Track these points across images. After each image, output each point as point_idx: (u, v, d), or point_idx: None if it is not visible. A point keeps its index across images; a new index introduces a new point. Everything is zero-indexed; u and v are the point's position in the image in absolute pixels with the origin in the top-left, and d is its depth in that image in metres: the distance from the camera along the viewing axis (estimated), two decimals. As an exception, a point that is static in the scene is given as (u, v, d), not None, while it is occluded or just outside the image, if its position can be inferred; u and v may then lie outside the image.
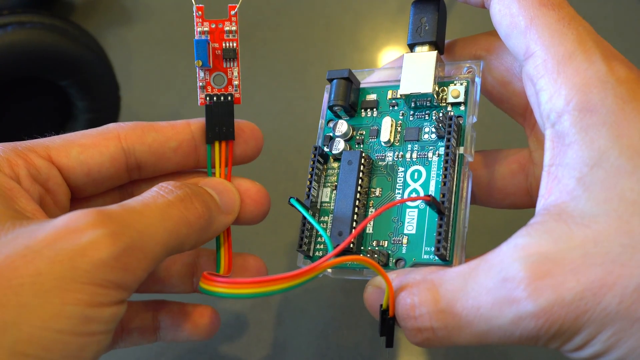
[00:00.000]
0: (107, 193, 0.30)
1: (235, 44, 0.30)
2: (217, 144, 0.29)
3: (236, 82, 0.30)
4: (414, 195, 0.28)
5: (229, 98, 0.29)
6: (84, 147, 0.27)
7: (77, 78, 0.40)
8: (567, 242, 0.20)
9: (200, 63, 0.28)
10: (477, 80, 0.28)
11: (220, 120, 0.29)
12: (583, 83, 0.22)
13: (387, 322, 0.24)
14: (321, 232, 0.27)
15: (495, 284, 0.21)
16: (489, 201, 0.31)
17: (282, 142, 0.44)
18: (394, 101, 0.30)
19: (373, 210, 0.29)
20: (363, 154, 0.29)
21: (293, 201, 0.27)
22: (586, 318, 0.19)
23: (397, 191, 0.28)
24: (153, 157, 0.29)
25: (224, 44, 0.30)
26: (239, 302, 0.39)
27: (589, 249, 0.20)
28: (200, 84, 0.29)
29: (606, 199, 0.20)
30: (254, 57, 0.48)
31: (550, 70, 0.23)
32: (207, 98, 0.29)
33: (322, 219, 0.29)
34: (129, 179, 0.29)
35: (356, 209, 0.28)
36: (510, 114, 0.30)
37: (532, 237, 0.21)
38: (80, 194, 0.28)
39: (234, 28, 0.30)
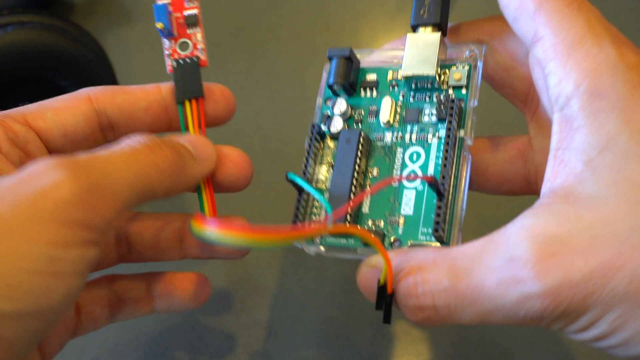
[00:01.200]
0: None
1: (196, 11, 0.31)
2: (187, 103, 0.30)
3: (201, 46, 0.31)
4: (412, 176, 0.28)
5: (195, 59, 0.31)
6: (58, 110, 0.28)
7: (77, 78, 0.40)
8: (575, 224, 0.20)
9: (162, 25, 0.30)
10: (479, 64, 0.28)
11: (187, 80, 0.30)
12: (593, 67, 0.22)
13: (385, 299, 0.24)
14: (320, 198, 0.27)
15: (501, 264, 0.21)
16: (486, 186, 0.31)
17: (282, 142, 0.44)
18: (394, 82, 0.30)
19: (369, 189, 0.28)
20: (362, 134, 0.28)
21: (291, 175, 0.27)
22: (594, 299, 0.19)
23: (395, 172, 0.28)
24: (124, 117, 0.29)
25: (184, 13, 0.31)
26: (240, 295, 0.39)
27: (597, 231, 0.20)
28: (167, 52, 0.31)
29: (615, 182, 0.20)
30: (254, 57, 0.48)
31: (560, 54, 0.23)
32: (175, 64, 0.31)
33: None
34: (105, 140, 0.30)
35: (353, 187, 0.28)
36: (510, 100, 0.30)
37: (539, 218, 0.21)
38: (59, 150, 0.29)
39: None
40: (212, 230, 0.21)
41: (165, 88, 0.30)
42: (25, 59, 0.38)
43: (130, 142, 0.25)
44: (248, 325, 0.38)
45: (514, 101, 0.30)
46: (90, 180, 0.21)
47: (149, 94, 0.30)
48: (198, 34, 0.31)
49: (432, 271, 0.22)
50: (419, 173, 0.28)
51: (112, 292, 0.30)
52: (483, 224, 0.36)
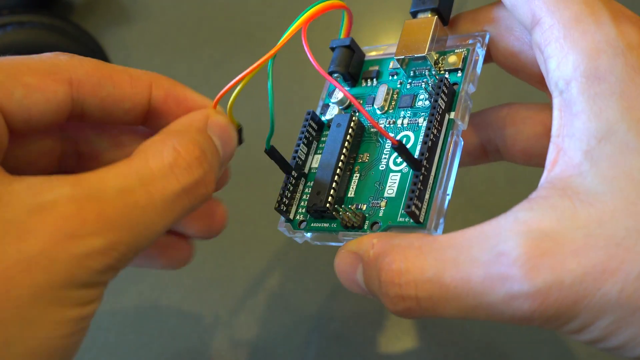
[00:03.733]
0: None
1: None
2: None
3: None
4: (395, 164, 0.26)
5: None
6: (30, 89, 0.23)
7: None
8: (571, 221, 0.19)
9: None
10: (481, 51, 0.27)
11: None
12: (591, 48, 0.20)
13: None
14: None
15: (490, 258, 0.19)
16: (515, 160, 0.29)
17: (281, 142, 0.43)
18: (394, 71, 0.29)
19: (358, 175, 0.27)
20: (354, 117, 0.28)
21: (268, 149, 0.27)
22: (585, 304, 0.18)
23: (383, 156, 0.27)
24: (101, 113, 0.25)
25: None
26: (240, 295, 0.38)
27: (592, 230, 0.18)
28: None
29: (613, 177, 0.19)
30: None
31: (557, 35, 0.21)
32: None
33: (308, 183, 0.29)
34: (65, 122, 0.26)
35: (338, 170, 0.27)
36: (529, 83, 0.28)
37: (535, 212, 0.20)
38: (17, 132, 0.24)
39: None
40: None
41: (158, 87, 0.26)
42: (24, 59, 0.39)
43: (178, 176, 0.22)
44: (248, 325, 0.37)
45: (532, 83, 0.28)
46: (124, 250, 0.20)
47: (137, 94, 0.25)
48: None
49: (417, 259, 0.21)
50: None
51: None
52: (477, 211, 0.33)
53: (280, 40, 0.25)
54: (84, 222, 0.19)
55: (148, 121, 0.26)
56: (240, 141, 0.26)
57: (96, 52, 0.43)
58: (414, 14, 0.28)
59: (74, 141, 0.27)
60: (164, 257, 0.28)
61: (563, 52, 0.21)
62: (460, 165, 0.26)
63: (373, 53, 0.31)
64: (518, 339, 0.35)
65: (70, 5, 0.55)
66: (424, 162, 0.25)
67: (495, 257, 0.19)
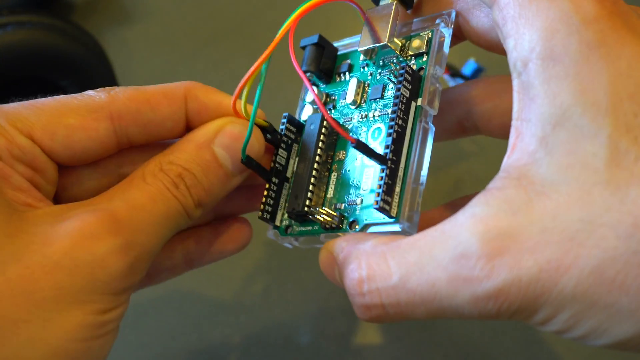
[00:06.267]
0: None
1: None
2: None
3: None
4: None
5: None
6: (71, 130, 0.24)
7: (77, 78, 0.40)
8: (526, 216, 0.19)
9: None
10: (446, 30, 0.26)
11: None
12: (545, 27, 0.19)
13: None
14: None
15: (452, 260, 0.19)
16: (494, 134, 0.29)
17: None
18: (365, 63, 0.29)
19: (336, 174, 0.27)
20: (325, 116, 0.27)
21: (243, 160, 0.27)
22: (544, 299, 0.18)
23: (357, 153, 0.27)
24: (146, 137, 0.27)
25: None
26: (240, 296, 0.39)
27: (547, 224, 0.18)
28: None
29: (568, 165, 0.18)
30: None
31: (512, 14, 0.20)
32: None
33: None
34: (118, 150, 0.28)
35: (314, 171, 0.27)
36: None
37: (491, 207, 0.19)
38: (67, 165, 0.27)
39: None
40: None
41: (192, 99, 0.27)
42: (25, 59, 0.38)
43: (169, 191, 0.24)
44: (248, 326, 0.38)
45: None
46: (139, 249, 0.23)
47: (175, 112, 0.26)
48: None
49: (380, 265, 0.21)
50: (379, 149, 0.26)
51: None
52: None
53: (274, 40, 0.25)
54: (101, 224, 0.22)
55: (190, 129, 0.27)
56: (270, 139, 0.27)
57: (96, 52, 0.42)
58: (376, 2, 0.28)
59: (131, 163, 0.28)
60: (230, 241, 0.30)
61: (519, 32, 0.20)
62: (439, 141, 0.25)
63: (347, 43, 0.30)
64: (518, 338, 0.34)
65: (71, 5, 0.55)
66: (390, 155, 0.24)
67: (457, 258, 0.19)
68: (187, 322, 0.39)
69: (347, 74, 0.29)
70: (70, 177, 0.27)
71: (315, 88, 0.29)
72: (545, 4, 0.20)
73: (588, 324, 0.18)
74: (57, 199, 0.26)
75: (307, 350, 0.36)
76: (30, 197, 0.23)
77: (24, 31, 0.39)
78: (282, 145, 0.28)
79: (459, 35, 0.27)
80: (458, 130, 0.29)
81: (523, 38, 0.20)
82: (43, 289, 0.20)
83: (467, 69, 0.42)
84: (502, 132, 0.28)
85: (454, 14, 0.26)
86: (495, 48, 0.27)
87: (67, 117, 0.24)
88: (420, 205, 0.24)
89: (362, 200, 0.25)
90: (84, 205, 0.23)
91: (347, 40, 0.30)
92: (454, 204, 0.30)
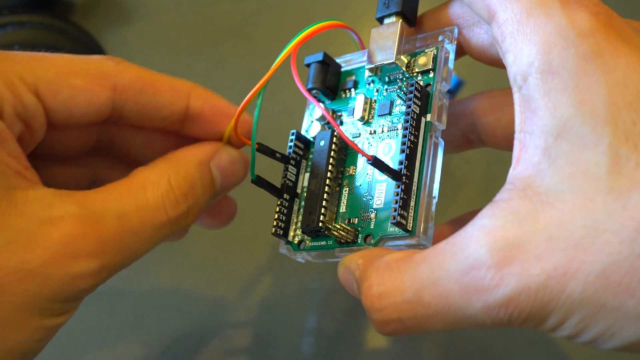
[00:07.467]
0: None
1: None
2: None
3: None
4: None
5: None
6: (75, 90, 0.24)
7: None
8: (532, 225, 0.19)
9: None
10: (450, 47, 0.27)
11: None
12: (543, 41, 0.20)
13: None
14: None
15: (463, 271, 0.20)
16: (498, 146, 0.30)
17: (281, 143, 0.43)
18: (370, 79, 0.29)
19: (347, 189, 0.28)
20: (335, 133, 0.28)
21: (254, 180, 0.27)
22: (552, 306, 0.19)
23: (368, 168, 0.27)
24: (139, 118, 0.27)
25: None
26: (240, 296, 0.39)
27: (552, 232, 0.19)
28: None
29: (571, 175, 0.19)
30: (254, 57, 0.47)
31: (511, 30, 0.21)
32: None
33: (301, 203, 0.29)
34: (106, 119, 0.27)
35: (327, 187, 0.27)
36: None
37: (498, 219, 0.20)
38: (55, 126, 0.26)
39: None
40: None
41: (196, 97, 0.27)
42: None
43: (168, 209, 0.25)
44: (248, 326, 0.38)
45: None
46: (114, 269, 0.23)
47: (174, 104, 0.27)
48: None
49: (395, 281, 0.22)
50: (391, 164, 0.26)
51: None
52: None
53: (274, 64, 0.26)
54: (85, 242, 0.22)
55: (184, 128, 0.28)
56: (268, 153, 0.28)
57: (96, 52, 0.42)
58: (380, 20, 0.28)
59: (110, 136, 0.29)
60: (213, 218, 0.32)
61: (517, 47, 0.21)
62: (445, 154, 0.26)
63: (348, 59, 0.31)
64: (518, 339, 0.34)
65: (70, 5, 0.55)
66: (404, 171, 0.25)
67: (467, 270, 0.20)
68: (187, 322, 0.38)
69: (352, 90, 0.30)
70: (53, 132, 0.26)
71: (321, 105, 0.30)
72: (542, 20, 0.20)
73: (597, 327, 0.19)
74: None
75: (307, 350, 0.36)
76: (20, 165, 0.23)
77: (24, 31, 0.39)
78: (292, 161, 0.29)
79: (459, 50, 0.28)
80: (463, 142, 0.30)
81: (522, 53, 0.21)
82: (12, 293, 0.21)
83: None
84: (506, 144, 0.29)
85: (456, 31, 0.27)
86: (495, 63, 0.27)
87: (74, 76, 0.24)
88: (434, 219, 0.25)
89: (375, 214, 0.26)
90: (75, 202, 0.22)
91: (348, 57, 0.31)
92: (462, 219, 0.31)
